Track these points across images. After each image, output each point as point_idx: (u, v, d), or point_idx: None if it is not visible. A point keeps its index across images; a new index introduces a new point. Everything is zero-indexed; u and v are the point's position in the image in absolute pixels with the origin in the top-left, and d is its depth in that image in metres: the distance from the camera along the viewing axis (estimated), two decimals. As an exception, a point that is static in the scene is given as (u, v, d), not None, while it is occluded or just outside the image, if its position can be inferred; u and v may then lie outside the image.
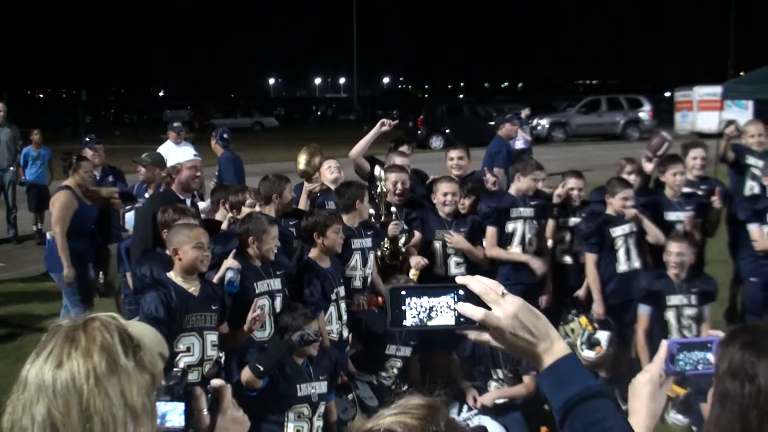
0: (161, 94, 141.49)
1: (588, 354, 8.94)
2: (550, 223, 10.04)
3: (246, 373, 6.77)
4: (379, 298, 8.67)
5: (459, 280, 2.24)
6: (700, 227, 10.22)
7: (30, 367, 2.06)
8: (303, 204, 9.69)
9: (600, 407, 2.15)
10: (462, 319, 2.18)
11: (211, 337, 6.95)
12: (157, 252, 8.00)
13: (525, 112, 26.41)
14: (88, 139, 12.56)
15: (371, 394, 8.12)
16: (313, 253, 8.25)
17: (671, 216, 9.93)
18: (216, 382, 2.78)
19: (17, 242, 19.06)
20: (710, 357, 2.73)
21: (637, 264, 9.56)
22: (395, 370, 8.69)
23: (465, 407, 8.53)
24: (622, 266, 9.54)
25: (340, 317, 8.32)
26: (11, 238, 19.17)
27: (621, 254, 9.53)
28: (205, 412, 2.68)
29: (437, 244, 9.48)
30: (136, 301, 7.65)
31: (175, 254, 6.89)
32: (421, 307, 2.18)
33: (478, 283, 2.21)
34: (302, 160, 10.02)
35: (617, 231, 9.50)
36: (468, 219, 9.63)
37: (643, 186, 10.43)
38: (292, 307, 7.57)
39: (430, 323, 2.19)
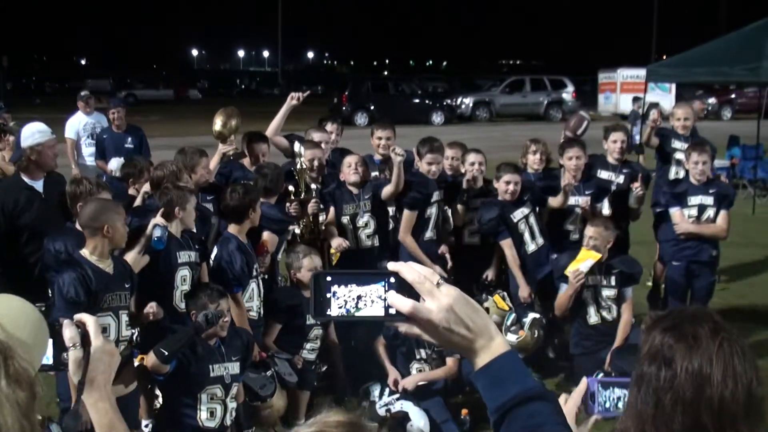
0: (83, 62, 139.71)
1: (510, 337, 8.87)
2: (459, 209, 9.92)
3: (151, 358, 6.66)
4: (264, 241, 8.55)
5: (391, 266, 2.01)
6: (619, 210, 10.26)
7: None
8: (214, 163, 9.39)
9: (539, 411, 1.96)
10: (392, 310, 1.98)
11: (125, 317, 6.80)
12: (69, 227, 7.81)
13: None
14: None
15: (290, 370, 8.00)
16: (233, 228, 8.13)
17: (570, 200, 9.89)
18: (80, 315, 2.53)
19: None
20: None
21: (541, 241, 9.66)
22: (318, 341, 8.60)
23: (387, 390, 8.43)
24: (530, 247, 9.61)
25: (260, 293, 8.27)
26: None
27: (526, 236, 9.62)
28: (76, 345, 2.45)
29: (345, 219, 9.37)
30: (48, 278, 7.48)
31: (104, 231, 6.64)
32: (349, 295, 1.98)
33: (411, 271, 1.98)
34: (218, 121, 9.59)
35: (517, 215, 9.56)
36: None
37: (547, 168, 10.47)
38: (198, 287, 7.52)
39: (357, 314, 1.99)
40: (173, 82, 76.04)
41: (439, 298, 1.97)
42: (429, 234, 9.47)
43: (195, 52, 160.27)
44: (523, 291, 9.40)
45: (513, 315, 9.09)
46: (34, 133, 8.09)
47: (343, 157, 9.86)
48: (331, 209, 9.40)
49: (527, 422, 1.94)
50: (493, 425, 1.99)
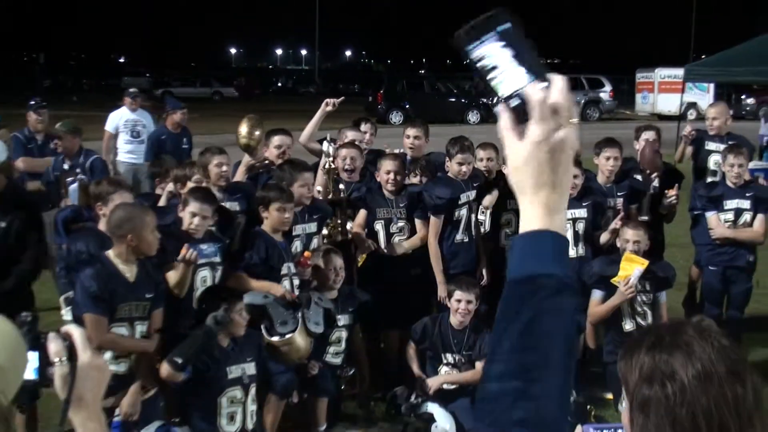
0: (121, 60, 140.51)
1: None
2: (492, 194, 9.70)
3: (165, 368, 6.59)
4: (306, 253, 8.37)
5: (555, 78, 1.85)
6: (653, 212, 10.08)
7: None
8: (240, 177, 9.30)
9: (565, 308, 1.79)
10: (514, 101, 1.84)
11: (141, 328, 6.77)
12: (91, 227, 7.78)
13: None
14: (32, 102, 12.17)
15: (320, 320, 7.90)
16: (265, 225, 8.10)
17: (603, 202, 9.65)
18: (67, 327, 2.39)
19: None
20: None
21: (582, 251, 9.39)
22: (343, 343, 8.48)
23: (414, 393, 8.32)
24: (570, 252, 9.31)
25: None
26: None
27: (570, 240, 9.33)
28: (63, 360, 2.31)
29: (379, 225, 9.23)
30: (68, 276, 7.44)
31: (129, 240, 6.64)
32: (493, 55, 1.86)
33: (561, 93, 1.83)
34: (243, 131, 9.46)
35: (567, 214, 9.24)
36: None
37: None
38: (207, 290, 7.45)
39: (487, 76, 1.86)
40: (246, 83, 76.41)
41: (558, 130, 1.83)
42: (460, 236, 9.29)
43: (233, 50, 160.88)
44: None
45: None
46: None
47: (376, 158, 9.78)
48: (361, 211, 9.27)
49: (542, 315, 1.76)
50: (509, 290, 1.82)
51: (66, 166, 11.20)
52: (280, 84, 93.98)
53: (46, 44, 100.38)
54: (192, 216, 7.50)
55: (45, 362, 2.29)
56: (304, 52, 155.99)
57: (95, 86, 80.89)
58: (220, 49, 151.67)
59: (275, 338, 7.50)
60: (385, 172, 9.19)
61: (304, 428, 8.36)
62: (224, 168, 8.82)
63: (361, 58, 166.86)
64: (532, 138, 1.83)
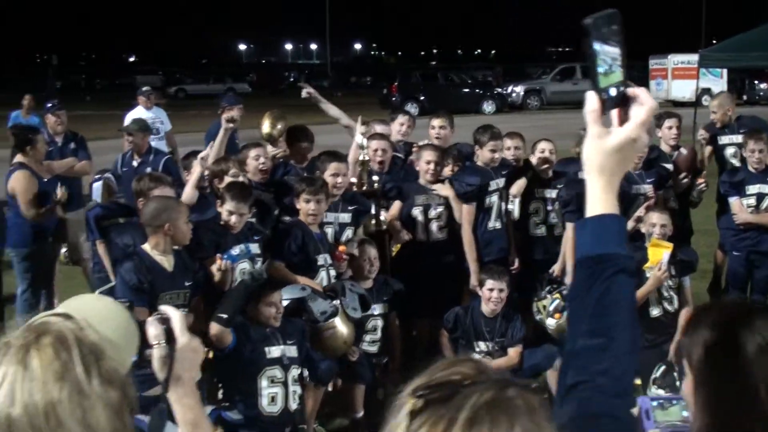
0: (132, 59, 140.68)
1: (550, 322, 8.79)
2: (519, 182, 9.81)
3: (214, 327, 6.67)
4: (341, 247, 8.49)
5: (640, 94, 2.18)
6: (680, 196, 10.14)
7: None
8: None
9: (624, 287, 2.13)
10: (613, 90, 2.18)
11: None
12: (136, 221, 7.94)
13: None
14: (50, 105, 12.31)
15: (357, 305, 8.00)
16: (301, 216, 8.23)
17: (632, 189, 9.70)
18: (165, 309, 2.56)
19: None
20: (685, 413, 2.82)
21: None
22: (378, 332, 8.58)
23: None
24: None
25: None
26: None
27: None
28: (161, 342, 2.45)
29: (417, 211, 9.29)
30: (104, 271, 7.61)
31: (166, 229, 6.81)
32: (610, 50, 2.19)
33: (648, 104, 2.17)
34: (266, 123, 9.83)
35: None
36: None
37: None
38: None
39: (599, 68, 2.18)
40: (223, 76, 76.35)
41: (636, 133, 2.15)
42: (492, 223, 9.39)
43: (243, 46, 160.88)
44: (571, 279, 9.24)
45: (557, 301, 8.98)
46: None
47: (412, 149, 9.91)
48: (396, 202, 9.38)
49: (610, 288, 2.10)
50: (579, 269, 2.17)
51: (135, 163, 11.41)
52: (292, 78, 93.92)
53: (58, 45, 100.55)
54: (229, 214, 7.66)
55: (144, 345, 2.42)
56: (314, 46, 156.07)
57: (108, 86, 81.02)
58: (230, 46, 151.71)
59: (321, 320, 7.60)
60: (425, 162, 9.27)
61: (341, 415, 8.49)
62: (262, 160, 8.98)
63: (371, 51, 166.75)
64: (630, 134, 2.14)
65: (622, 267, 2.13)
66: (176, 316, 2.51)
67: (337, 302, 7.78)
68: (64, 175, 11.45)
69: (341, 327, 7.72)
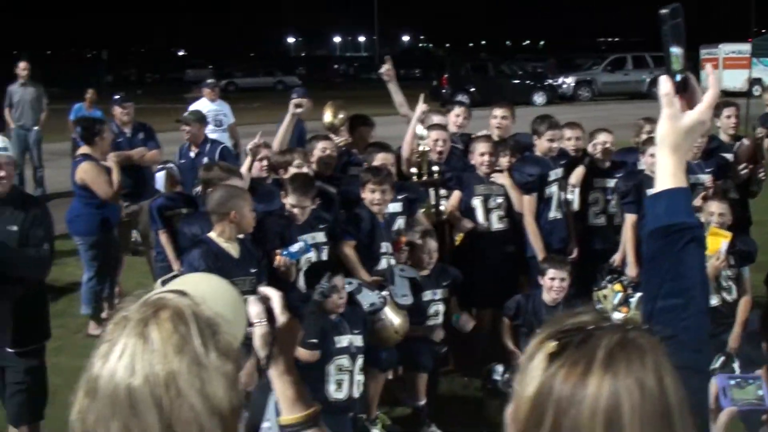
0: (181, 53, 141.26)
1: (617, 316, 8.79)
2: (578, 171, 9.85)
3: (303, 354, 6.82)
4: (402, 238, 8.57)
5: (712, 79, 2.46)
6: (739, 186, 10.10)
7: (99, 371, 1.82)
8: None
9: (696, 254, 2.38)
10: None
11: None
12: (202, 212, 8.15)
13: None
14: (117, 97, 12.47)
15: (407, 291, 8.06)
16: (367, 204, 8.36)
17: (691, 179, 9.65)
18: (264, 289, 2.63)
19: (46, 200, 19.10)
20: (760, 392, 2.90)
21: None
22: (440, 317, 8.62)
23: (510, 369, 8.45)
24: None
25: None
26: (39, 196, 19.20)
27: None
28: (262, 321, 2.53)
29: (477, 201, 9.34)
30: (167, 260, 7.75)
31: (231, 217, 6.96)
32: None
33: (715, 88, 2.45)
34: (329, 113, 10.02)
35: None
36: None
37: None
38: (311, 266, 7.68)
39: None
40: (272, 69, 76.52)
41: (706, 116, 2.41)
42: (553, 213, 9.48)
43: (291, 39, 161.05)
44: (632, 270, 9.26)
45: (620, 294, 8.98)
46: None
47: (470, 140, 9.94)
48: (455, 192, 9.42)
49: (684, 255, 2.36)
50: (653, 238, 2.41)
51: (192, 154, 11.66)
52: (341, 71, 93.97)
53: (108, 40, 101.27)
54: (292, 207, 7.78)
55: (246, 323, 2.51)
56: (362, 39, 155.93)
57: (158, 79, 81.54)
58: (278, 39, 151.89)
59: (368, 312, 7.67)
60: (479, 154, 9.33)
61: (403, 403, 8.56)
62: (328, 152, 9.07)
63: (419, 43, 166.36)
64: (701, 117, 2.40)
65: (694, 236, 2.37)
66: (276, 296, 2.58)
67: (385, 293, 7.86)
68: (135, 164, 11.72)
69: (391, 317, 7.81)
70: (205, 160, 11.05)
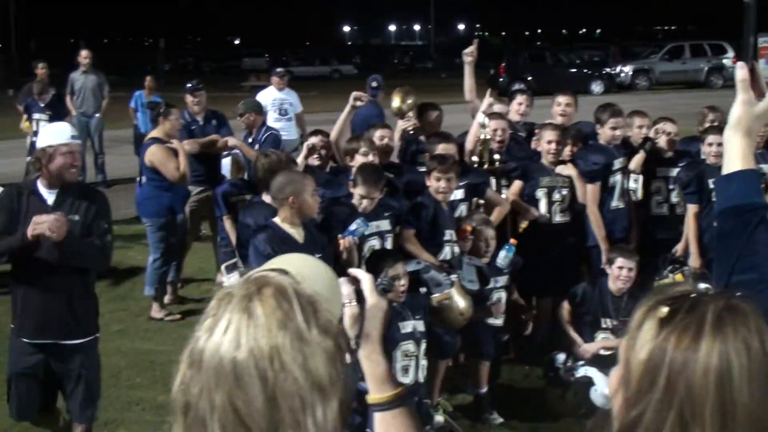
0: (237, 42, 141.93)
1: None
2: (638, 157, 9.78)
3: None
4: (467, 226, 8.54)
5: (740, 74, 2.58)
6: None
7: (204, 343, 1.87)
8: (395, 140, 9.57)
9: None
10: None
11: None
12: (259, 201, 8.26)
13: None
14: (189, 85, 12.55)
15: (474, 278, 8.07)
16: (432, 192, 8.37)
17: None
18: (354, 271, 2.66)
19: (106, 186, 19.38)
20: None
21: None
22: (502, 303, 8.61)
23: (571, 358, 8.45)
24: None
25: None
26: (100, 182, 19.48)
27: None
28: (352, 301, 2.56)
29: (541, 193, 9.33)
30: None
31: (290, 202, 6.99)
32: None
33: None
34: (397, 98, 9.93)
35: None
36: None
37: None
38: (373, 254, 7.73)
39: None
40: (328, 58, 76.65)
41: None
42: (615, 203, 9.42)
43: (347, 28, 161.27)
44: (694, 261, 9.20)
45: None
46: (48, 133, 6.69)
47: (533, 128, 9.92)
48: (516, 182, 9.43)
49: (755, 233, 2.52)
50: (725, 217, 2.60)
51: (249, 141, 11.74)
52: (396, 60, 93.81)
53: (165, 29, 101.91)
54: (361, 198, 7.82)
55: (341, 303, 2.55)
56: (417, 27, 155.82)
57: (215, 68, 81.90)
58: (333, 28, 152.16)
59: (435, 295, 7.67)
60: (546, 142, 9.31)
61: (463, 390, 8.59)
62: (386, 141, 9.09)
63: (475, 32, 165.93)
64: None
65: (764, 217, 2.52)
66: (366, 278, 2.61)
67: (453, 276, 7.86)
68: (208, 151, 11.85)
69: (457, 299, 7.78)
70: (257, 146, 11.23)
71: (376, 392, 2.58)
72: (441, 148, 8.79)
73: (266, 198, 8.09)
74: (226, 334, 1.85)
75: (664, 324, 1.87)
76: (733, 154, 2.58)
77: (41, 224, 5.99)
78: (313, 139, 9.31)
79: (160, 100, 18.39)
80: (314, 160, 9.12)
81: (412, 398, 7.42)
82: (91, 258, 6.57)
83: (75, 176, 6.60)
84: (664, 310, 1.88)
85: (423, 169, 8.74)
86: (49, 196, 6.43)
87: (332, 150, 9.35)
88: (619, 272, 8.42)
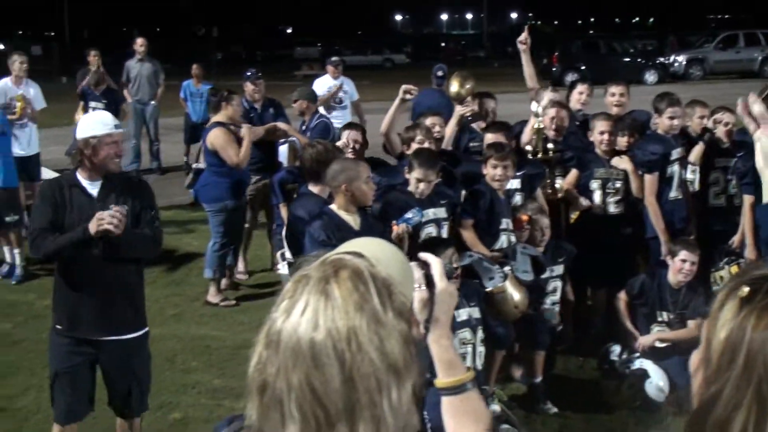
0: (289, 31, 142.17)
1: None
2: (697, 149, 9.70)
3: None
4: (524, 216, 8.54)
5: None
6: None
7: (281, 324, 1.90)
8: (451, 129, 9.55)
9: None
10: None
11: None
12: (306, 191, 8.38)
13: None
14: (249, 74, 12.64)
15: (528, 268, 8.07)
16: (488, 180, 8.41)
17: None
18: (425, 255, 2.67)
19: (161, 173, 19.61)
20: None
21: None
22: (558, 293, 8.64)
23: (627, 350, 8.42)
24: None
25: None
26: (155, 169, 19.69)
27: None
28: (421, 286, 2.57)
29: (596, 184, 9.29)
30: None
31: (343, 189, 7.05)
32: None
33: None
34: (455, 83, 9.86)
35: None
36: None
37: None
38: (426, 242, 7.68)
39: None
40: (380, 47, 76.65)
41: None
42: (673, 194, 9.30)
43: (398, 17, 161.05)
44: (751, 252, 9.08)
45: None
46: (91, 123, 6.40)
47: (585, 118, 9.88)
48: (573, 171, 9.40)
49: None
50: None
51: (302, 129, 11.86)
52: (446, 50, 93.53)
53: (218, 18, 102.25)
54: (417, 181, 7.84)
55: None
56: (469, 16, 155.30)
57: (268, 57, 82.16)
58: (385, 17, 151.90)
59: (488, 287, 7.66)
60: (599, 132, 9.26)
61: (517, 380, 8.59)
62: (437, 129, 9.10)
63: (527, 20, 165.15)
64: None
65: None
66: (435, 262, 2.63)
67: (506, 268, 7.84)
68: (268, 139, 11.91)
69: (512, 291, 7.75)
70: (309, 134, 11.34)
71: (444, 376, 2.61)
72: (495, 137, 8.78)
73: (313, 188, 8.18)
74: (303, 315, 1.88)
75: (744, 304, 1.88)
76: None
77: (104, 220, 5.90)
78: (347, 134, 9.37)
79: (209, 86, 18.64)
80: (348, 155, 9.12)
81: (479, 383, 7.44)
82: (145, 247, 6.49)
83: (119, 166, 6.49)
84: (745, 290, 1.89)
85: (478, 158, 8.75)
86: (92, 189, 6.29)
87: (367, 143, 9.41)
88: (682, 265, 8.37)
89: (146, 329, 6.67)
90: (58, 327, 6.42)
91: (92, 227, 5.93)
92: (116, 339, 6.41)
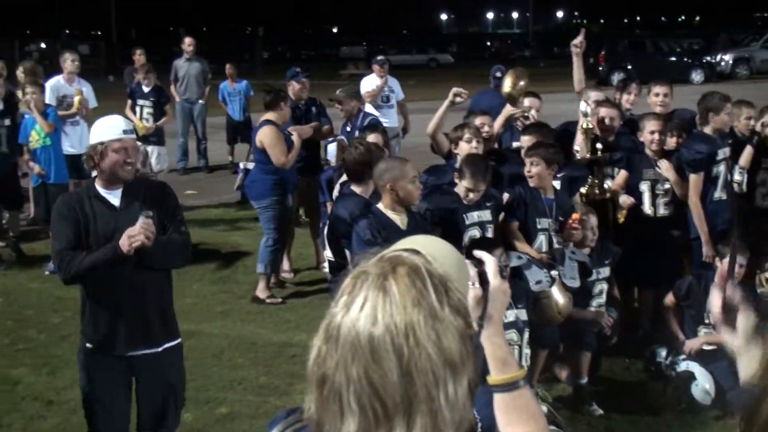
0: (335, 30, 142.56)
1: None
2: (747, 152, 9.64)
3: None
4: (575, 215, 8.47)
5: None
6: None
7: (341, 319, 1.95)
8: (498, 127, 9.57)
9: None
10: None
11: None
12: (348, 191, 8.41)
13: None
14: (296, 73, 12.70)
15: (575, 274, 8.05)
16: (531, 181, 8.41)
17: None
18: (479, 253, 2.72)
19: (208, 171, 19.78)
20: None
21: None
22: (604, 295, 8.60)
23: (673, 352, 8.40)
24: None
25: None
26: (202, 167, 19.87)
27: None
28: (476, 284, 2.62)
29: (645, 186, 9.24)
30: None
31: (389, 189, 7.09)
32: None
33: None
34: (508, 82, 9.71)
35: None
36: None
37: None
38: (472, 243, 7.70)
39: None
40: (425, 46, 76.61)
41: None
42: (718, 194, 9.21)
43: (443, 16, 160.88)
44: None
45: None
46: (100, 128, 6.08)
47: (632, 118, 9.86)
48: (622, 172, 9.36)
49: None
50: None
51: (348, 128, 11.91)
52: (494, 48, 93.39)
53: (264, 17, 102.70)
54: (467, 191, 7.91)
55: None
56: (515, 15, 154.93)
57: (313, 56, 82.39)
58: (430, 16, 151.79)
59: (535, 290, 7.65)
60: (649, 132, 9.20)
61: (562, 381, 8.59)
62: (486, 129, 9.12)
63: (573, 19, 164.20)
64: None
65: None
66: (490, 260, 2.67)
67: (554, 272, 7.84)
68: (314, 138, 12.07)
69: (557, 296, 7.77)
70: (357, 133, 11.30)
71: (497, 373, 2.63)
72: (531, 139, 8.81)
73: (356, 188, 8.22)
74: (362, 310, 1.92)
75: None
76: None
77: (135, 236, 5.57)
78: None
79: (245, 83, 18.81)
80: None
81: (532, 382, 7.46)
82: (178, 254, 6.17)
83: (129, 174, 5.99)
84: None
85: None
86: (113, 198, 5.95)
87: (389, 146, 9.48)
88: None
89: (179, 339, 6.36)
90: (89, 346, 6.09)
91: (124, 245, 5.60)
92: (153, 352, 6.10)
